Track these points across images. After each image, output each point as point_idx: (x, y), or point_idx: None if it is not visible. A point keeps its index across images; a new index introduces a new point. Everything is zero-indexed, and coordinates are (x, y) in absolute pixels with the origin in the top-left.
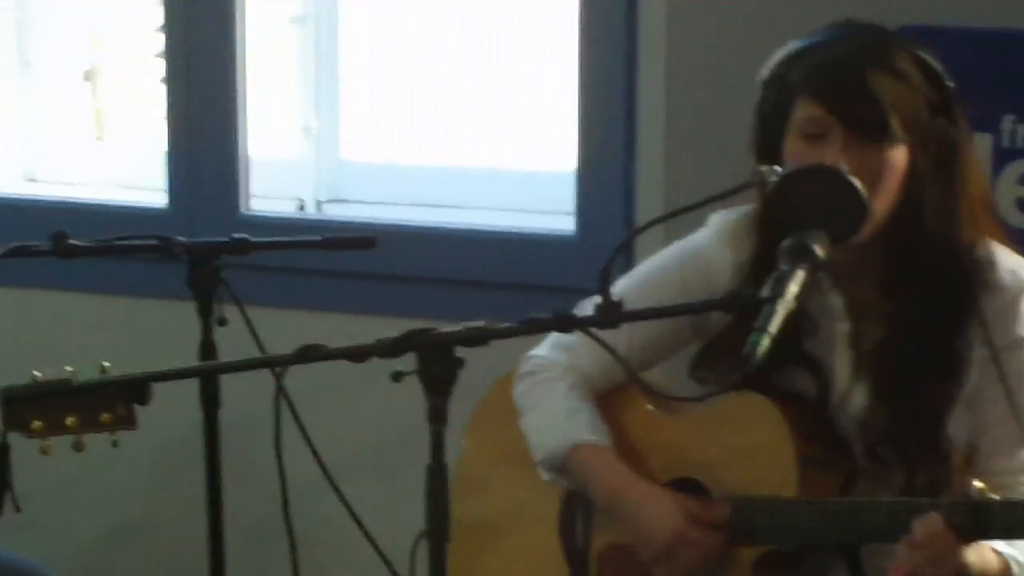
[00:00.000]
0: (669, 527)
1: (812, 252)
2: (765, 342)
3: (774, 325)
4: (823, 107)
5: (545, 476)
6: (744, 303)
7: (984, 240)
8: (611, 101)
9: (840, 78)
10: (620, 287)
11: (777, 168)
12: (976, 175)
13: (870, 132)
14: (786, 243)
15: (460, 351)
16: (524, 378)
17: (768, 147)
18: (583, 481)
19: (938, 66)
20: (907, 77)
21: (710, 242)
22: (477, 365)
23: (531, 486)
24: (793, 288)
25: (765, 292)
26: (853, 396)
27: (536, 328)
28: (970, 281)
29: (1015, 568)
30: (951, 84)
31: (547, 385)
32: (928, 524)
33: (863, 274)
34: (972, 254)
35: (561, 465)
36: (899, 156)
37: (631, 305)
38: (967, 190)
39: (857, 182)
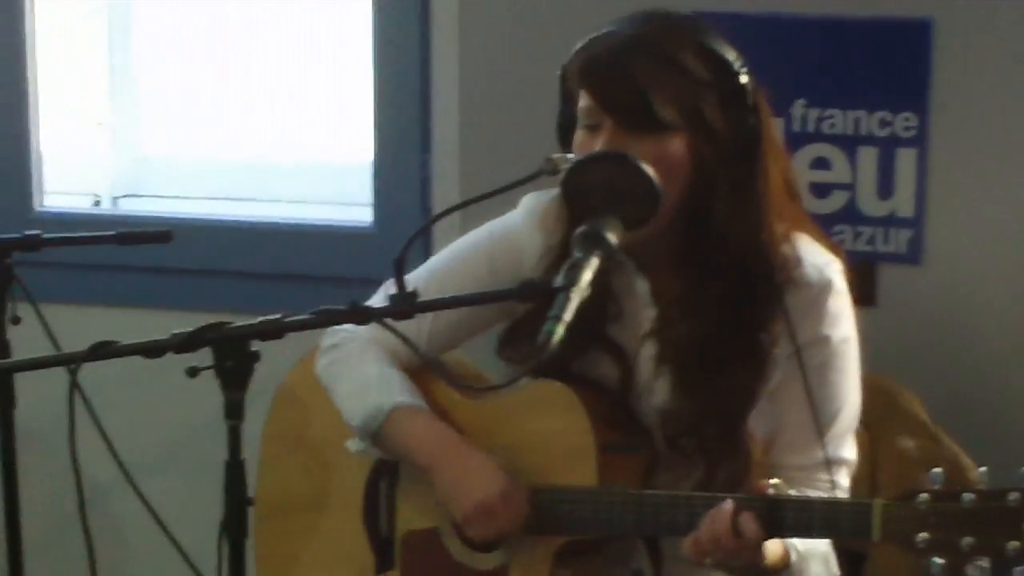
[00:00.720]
0: (494, 484)
1: (604, 239)
2: (559, 330)
3: (568, 313)
4: (592, 98)
5: (359, 446)
6: (537, 292)
7: (791, 234)
8: (405, 92)
9: (604, 69)
10: (429, 266)
11: (569, 155)
12: (780, 167)
13: (638, 122)
14: (579, 231)
15: (255, 345)
16: (328, 351)
17: (568, 138)
18: (402, 443)
19: (730, 57)
20: (683, 66)
21: (521, 224)
22: (276, 358)
23: (336, 469)
24: (587, 276)
25: (559, 280)
26: (656, 385)
27: (331, 320)
28: (776, 276)
29: (793, 555)
30: (745, 75)
31: (355, 355)
32: (719, 518)
33: (667, 263)
34: (778, 249)
35: (378, 429)
36: (676, 146)
37: (439, 286)
38: (769, 183)
39: (648, 168)
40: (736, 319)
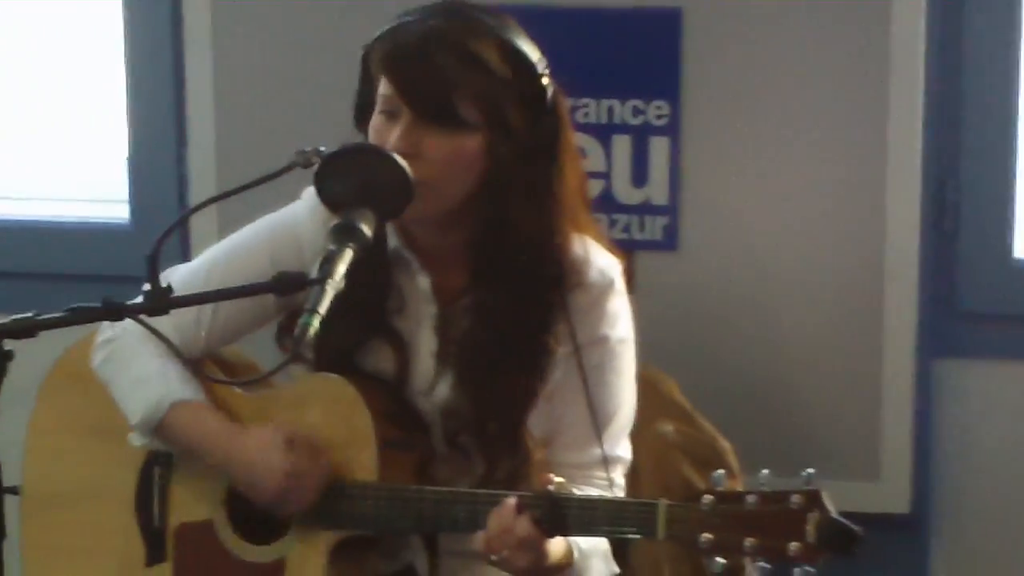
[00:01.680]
0: (290, 452)
1: (358, 231)
2: (314, 323)
3: (323, 305)
4: (394, 87)
5: (140, 440)
6: (292, 285)
7: (581, 237)
8: (160, 89)
9: (410, 60)
10: (210, 258)
11: (322, 148)
12: (575, 171)
13: (437, 116)
14: (333, 223)
15: (8, 344)
16: (103, 346)
17: (364, 118)
18: (186, 438)
19: (534, 57)
20: (486, 64)
21: (302, 216)
22: (32, 359)
23: (108, 459)
24: (341, 268)
25: (314, 273)
26: (438, 382)
27: (84, 318)
28: (562, 278)
29: (576, 553)
30: (546, 77)
31: (131, 349)
32: (502, 515)
33: (452, 259)
34: (567, 251)
35: (159, 424)
36: (472, 142)
37: (220, 279)
38: (564, 186)
39: (401, 160)
40: (520, 320)
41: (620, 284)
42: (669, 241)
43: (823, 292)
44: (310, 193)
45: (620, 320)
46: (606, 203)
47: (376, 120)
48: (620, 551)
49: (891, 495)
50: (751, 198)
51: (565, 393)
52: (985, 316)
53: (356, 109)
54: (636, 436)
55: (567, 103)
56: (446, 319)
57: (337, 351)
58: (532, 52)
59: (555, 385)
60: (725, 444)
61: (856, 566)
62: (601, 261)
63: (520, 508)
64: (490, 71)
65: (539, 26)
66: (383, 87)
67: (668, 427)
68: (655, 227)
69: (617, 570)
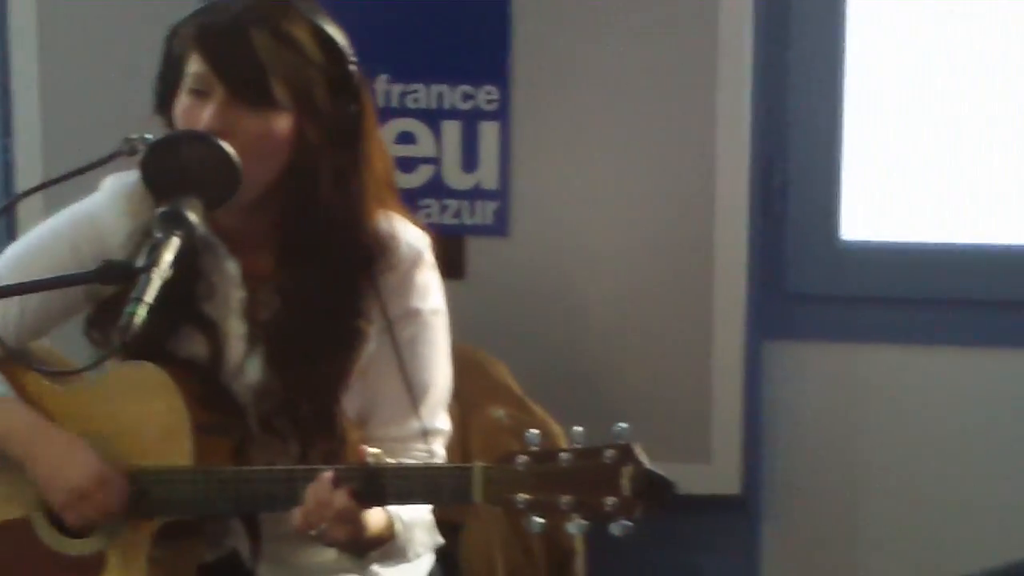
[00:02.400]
0: (88, 468)
1: (185, 219)
2: (141, 312)
3: (150, 294)
4: (208, 64)
5: None
6: (118, 274)
7: (386, 213)
8: None
9: (225, 37)
10: (12, 254)
11: (148, 136)
12: (380, 153)
13: (251, 95)
14: (159, 211)
15: None
16: None
17: (166, 102)
18: None
19: (341, 41)
20: (300, 46)
21: (103, 207)
22: None
23: None
24: (168, 256)
25: (140, 261)
26: (248, 365)
27: None
28: (372, 257)
29: (398, 524)
30: (353, 61)
31: None
32: (318, 489)
33: (258, 243)
34: (375, 230)
35: None
36: (283, 124)
37: (22, 274)
38: (371, 169)
39: (228, 147)
40: (328, 301)
41: (429, 257)
42: (500, 226)
43: (653, 276)
44: (109, 183)
45: (431, 292)
46: (436, 188)
47: (185, 101)
48: (451, 547)
49: (722, 477)
50: (581, 182)
51: (380, 368)
52: (813, 298)
53: (157, 95)
54: (468, 421)
55: (370, 90)
56: (255, 303)
57: (148, 339)
58: (341, 38)
59: (369, 361)
60: (556, 428)
61: (688, 547)
62: (408, 235)
63: (337, 481)
64: (304, 53)
65: (368, 12)
66: (195, 65)
67: (500, 411)
68: (486, 212)
69: (441, 540)
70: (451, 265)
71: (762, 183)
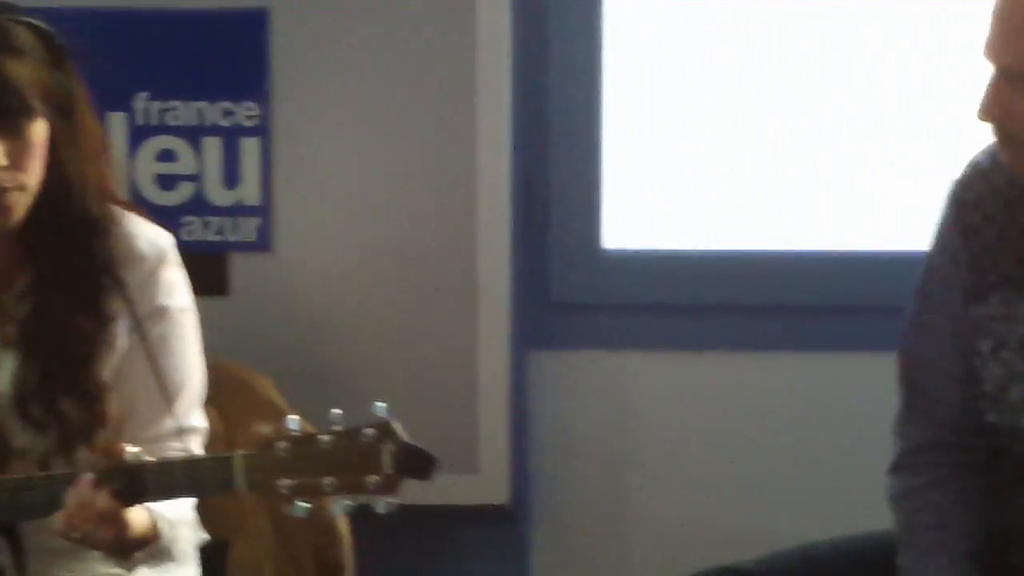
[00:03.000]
0: None
1: None
2: None
3: None
4: None
5: None
6: None
7: (119, 210)
8: None
9: None
10: None
11: None
12: (95, 133)
13: (15, 119)
14: None
15: None
16: None
17: None
18: None
19: (42, 23)
20: (31, 51)
21: None
22: None
23: None
24: None
25: None
26: (1, 373)
27: None
28: (112, 253)
29: (162, 523)
30: (57, 35)
31: None
32: (79, 491)
33: (4, 246)
34: (111, 225)
35: None
36: (40, 129)
37: None
38: (89, 148)
39: None
40: (76, 298)
41: (174, 255)
42: (263, 242)
43: (417, 288)
44: None
45: (177, 290)
46: (198, 205)
47: None
48: (219, 566)
49: (490, 487)
50: (344, 197)
51: (133, 368)
52: (576, 307)
53: None
54: (234, 438)
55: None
56: (4, 305)
57: None
58: (43, 23)
59: (122, 361)
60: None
61: (457, 558)
62: (150, 233)
63: (97, 482)
64: (36, 56)
65: (125, 30)
66: None
67: (266, 428)
68: (248, 228)
69: (207, 536)
70: (214, 282)
71: (523, 194)
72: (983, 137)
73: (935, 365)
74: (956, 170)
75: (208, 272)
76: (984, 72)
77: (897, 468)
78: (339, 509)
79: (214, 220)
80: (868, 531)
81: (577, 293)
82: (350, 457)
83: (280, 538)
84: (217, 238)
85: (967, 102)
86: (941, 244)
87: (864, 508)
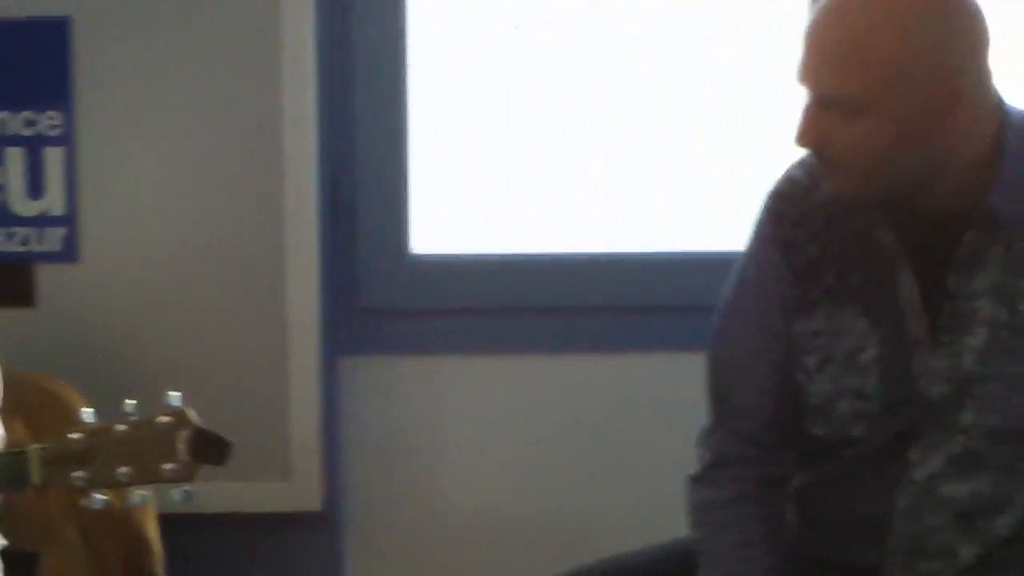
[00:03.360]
0: None
1: None
2: None
3: None
4: None
5: None
6: None
7: None
8: None
9: None
10: None
11: None
12: None
13: None
14: None
15: None
16: None
17: None
18: None
19: None
20: None
21: None
22: None
23: None
24: None
25: None
26: None
27: None
28: None
29: None
30: None
31: None
32: None
33: None
34: None
35: None
36: None
37: None
38: None
39: None
40: None
41: None
42: (69, 252)
43: (226, 296)
44: None
45: None
46: (2, 216)
47: None
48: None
49: (302, 494)
50: (151, 205)
51: None
52: (386, 312)
53: None
54: None
55: None
56: None
57: None
58: None
59: None
60: None
61: (271, 565)
62: None
63: None
64: None
65: None
66: None
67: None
68: (54, 238)
69: (4, 542)
70: (20, 293)
71: (331, 200)
72: (776, 141)
73: (744, 378)
74: (761, 177)
75: (13, 283)
76: (790, 93)
77: (699, 479)
78: (137, 499)
79: (19, 231)
80: (675, 539)
81: (386, 298)
82: (145, 445)
83: (90, 548)
84: (22, 249)
85: (765, 107)
86: (757, 258)
87: (671, 510)
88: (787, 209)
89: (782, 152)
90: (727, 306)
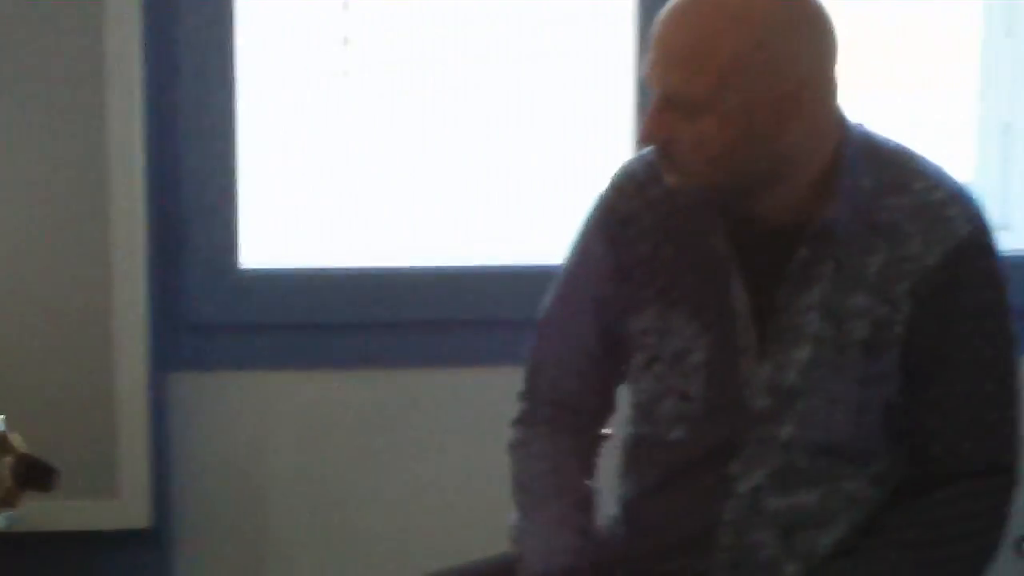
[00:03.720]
0: None
1: None
2: None
3: None
4: None
5: None
6: None
7: None
8: None
9: None
10: None
11: None
12: None
13: None
14: None
15: None
16: None
17: None
18: None
19: None
20: None
21: None
22: None
23: None
24: None
25: None
26: None
27: None
28: None
29: None
30: None
31: None
32: None
33: None
34: None
35: None
36: None
37: None
38: None
39: None
40: None
41: None
42: None
43: (50, 311)
44: None
45: None
46: None
47: None
48: None
49: (130, 511)
50: None
51: None
52: (214, 327)
53: None
54: None
55: None
56: None
57: None
58: None
59: None
60: None
61: None
62: None
63: None
64: None
65: None
66: None
67: None
68: None
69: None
70: None
71: (158, 215)
72: (598, 158)
73: (557, 361)
74: (582, 192)
75: None
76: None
77: (518, 422)
78: None
79: None
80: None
81: (214, 314)
82: None
83: None
84: None
85: (592, 124)
86: (584, 250)
87: (492, 516)
88: (619, 203)
89: (603, 168)
90: (555, 288)
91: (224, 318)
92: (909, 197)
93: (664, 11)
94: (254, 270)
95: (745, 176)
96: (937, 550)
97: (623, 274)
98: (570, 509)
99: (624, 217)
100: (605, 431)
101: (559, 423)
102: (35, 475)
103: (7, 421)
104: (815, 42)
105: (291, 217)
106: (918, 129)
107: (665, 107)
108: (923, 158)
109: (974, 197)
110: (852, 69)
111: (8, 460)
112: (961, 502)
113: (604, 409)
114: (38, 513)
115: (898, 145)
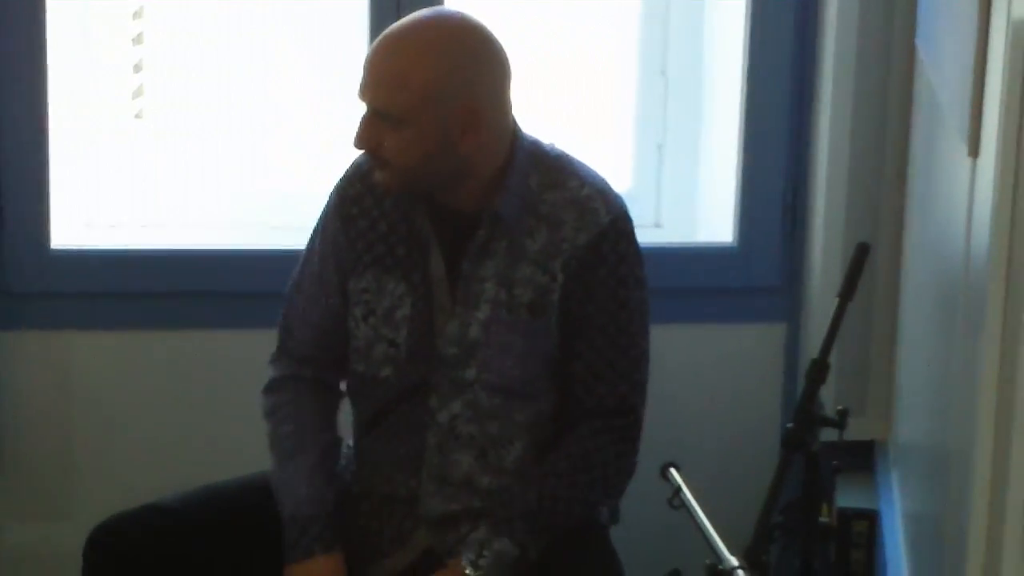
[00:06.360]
0: None
1: None
2: None
3: None
4: None
5: None
6: None
7: None
8: None
9: None
10: None
11: None
12: None
13: None
14: None
15: None
16: None
17: None
18: None
19: None
20: None
21: None
22: None
23: None
24: None
25: None
26: None
27: None
28: None
29: None
30: None
31: None
32: None
33: None
34: None
35: None
36: None
37: None
38: None
39: None
40: None
41: None
42: None
43: None
44: None
45: None
46: None
47: None
48: None
49: None
50: None
51: None
52: (29, 296)
53: None
54: None
55: None
56: None
57: None
58: None
59: None
60: None
61: None
62: None
63: None
64: None
65: None
66: None
67: None
68: None
69: None
70: None
71: None
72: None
73: (303, 319)
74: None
75: None
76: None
77: (268, 390)
78: None
79: None
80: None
81: (29, 285)
82: None
83: None
84: None
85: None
86: (323, 227)
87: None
88: (349, 188)
89: (340, 159)
90: (301, 258)
91: (36, 289)
92: (565, 192)
93: (377, 40)
94: (63, 249)
95: (437, 175)
96: (583, 475)
97: (349, 244)
98: (316, 459)
99: (351, 198)
100: (343, 387)
101: (303, 384)
102: None
103: None
104: (495, 70)
105: (100, 196)
106: (588, 147)
107: (373, 119)
108: (579, 163)
109: (616, 194)
110: (531, 95)
111: None
112: (599, 435)
113: (342, 364)
114: None
115: (560, 152)
